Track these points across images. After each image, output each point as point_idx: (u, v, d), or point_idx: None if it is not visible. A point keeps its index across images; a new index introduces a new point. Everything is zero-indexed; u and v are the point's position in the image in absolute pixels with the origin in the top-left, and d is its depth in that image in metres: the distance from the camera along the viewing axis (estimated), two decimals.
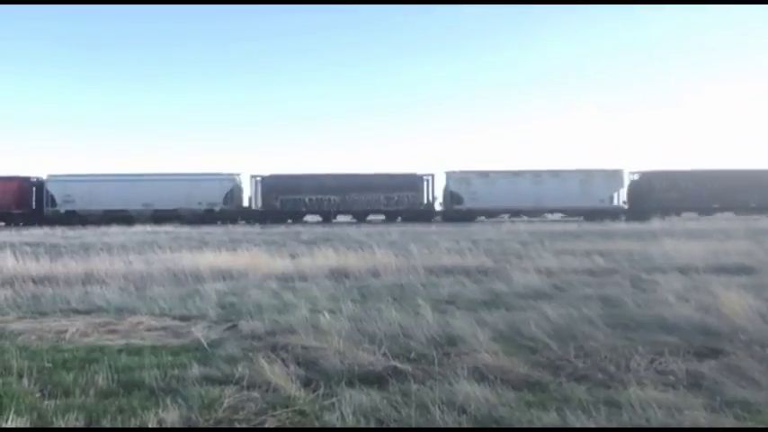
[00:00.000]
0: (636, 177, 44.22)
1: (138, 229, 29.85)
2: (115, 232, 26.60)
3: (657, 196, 42.35)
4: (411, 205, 42.76)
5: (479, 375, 4.76)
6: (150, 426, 3.88)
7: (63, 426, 3.89)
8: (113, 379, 4.82)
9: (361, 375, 4.85)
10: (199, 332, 6.52)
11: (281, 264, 12.07)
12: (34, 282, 10.41)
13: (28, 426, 3.91)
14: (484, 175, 43.20)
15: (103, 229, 30.08)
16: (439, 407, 4.06)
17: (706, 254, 12.85)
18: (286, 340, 5.95)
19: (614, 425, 3.84)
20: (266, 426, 3.95)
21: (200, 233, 25.86)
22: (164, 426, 3.90)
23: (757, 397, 4.27)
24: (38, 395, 4.51)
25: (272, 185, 42.97)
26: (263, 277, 10.73)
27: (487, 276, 10.74)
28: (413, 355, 5.44)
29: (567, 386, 4.58)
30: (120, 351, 5.83)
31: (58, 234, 26.48)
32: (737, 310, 6.58)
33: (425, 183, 43.56)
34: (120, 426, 3.93)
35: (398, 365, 5.03)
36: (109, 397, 4.47)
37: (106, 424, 3.97)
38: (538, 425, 3.86)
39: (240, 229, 30.98)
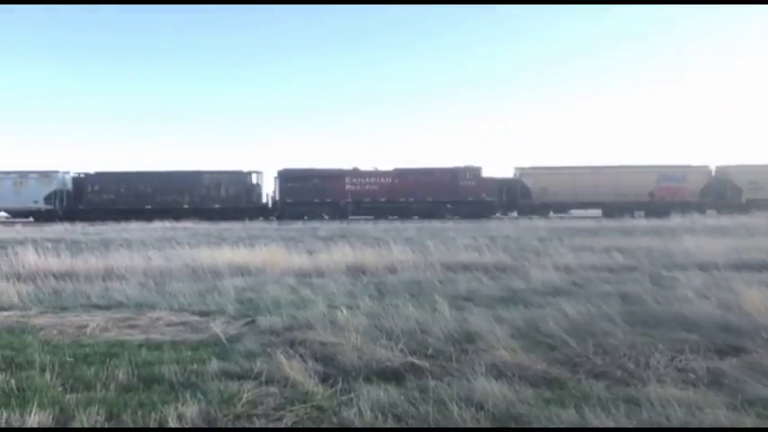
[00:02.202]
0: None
1: (156, 225, 30.08)
2: (134, 228, 26.83)
3: (89, 198, 41.75)
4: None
5: (497, 372, 4.75)
6: (170, 422, 3.91)
7: (85, 421, 3.93)
8: (133, 374, 4.87)
9: (379, 371, 4.86)
10: (217, 327, 6.55)
11: (298, 260, 12.12)
12: (55, 277, 10.52)
13: (51, 419, 3.96)
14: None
15: (123, 224, 30.33)
16: (457, 403, 4.05)
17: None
18: (304, 336, 5.98)
19: (634, 423, 3.81)
20: (284, 421, 3.97)
21: (219, 229, 26.02)
22: (183, 422, 3.93)
23: None
24: (60, 389, 4.57)
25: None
26: (281, 273, 10.77)
27: (505, 273, 10.69)
28: (430, 351, 5.44)
29: (586, 383, 4.56)
30: (140, 346, 5.89)
31: (78, 230, 26.77)
32: (759, 307, 6.50)
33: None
34: (140, 422, 3.96)
35: (416, 361, 5.03)
36: (129, 391, 4.52)
37: (126, 418, 4.01)
38: (557, 422, 3.84)
39: (258, 225, 31.11)
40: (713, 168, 43.75)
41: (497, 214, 42.10)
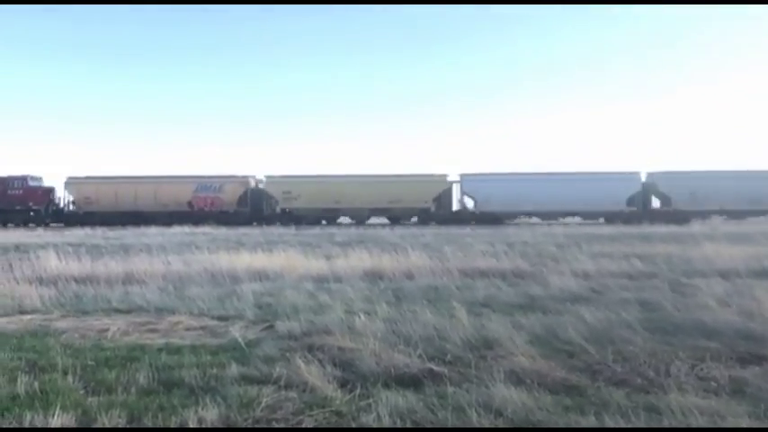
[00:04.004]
0: None
1: (176, 230, 30.33)
2: (154, 233, 27.05)
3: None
4: None
5: (516, 379, 4.73)
6: (191, 426, 3.94)
7: (106, 423, 3.97)
8: (154, 377, 4.91)
9: (397, 377, 4.86)
10: (236, 332, 6.60)
11: (315, 265, 12.16)
12: (76, 281, 10.67)
13: (73, 421, 4.02)
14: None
15: (143, 229, 30.60)
16: (475, 410, 4.05)
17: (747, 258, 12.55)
18: (322, 341, 6.00)
19: None
20: (304, 426, 3.99)
21: (237, 234, 26.16)
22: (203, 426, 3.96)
23: None
24: (82, 392, 4.62)
25: None
26: (299, 278, 10.82)
27: (523, 279, 10.66)
28: (448, 357, 5.43)
29: (606, 391, 4.52)
30: (160, 350, 5.94)
31: (98, 235, 27.05)
32: None
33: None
34: (161, 425, 4.00)
35: (434, 368, 5.03)
36: (150, 395, 4.56)
37: (147, 421, 4.05)
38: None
39: (276, 231, 31.23)
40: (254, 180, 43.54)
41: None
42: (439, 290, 9.62)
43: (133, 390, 4.65)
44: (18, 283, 10.19)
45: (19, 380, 4.73)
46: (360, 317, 6.75)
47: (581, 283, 9.94)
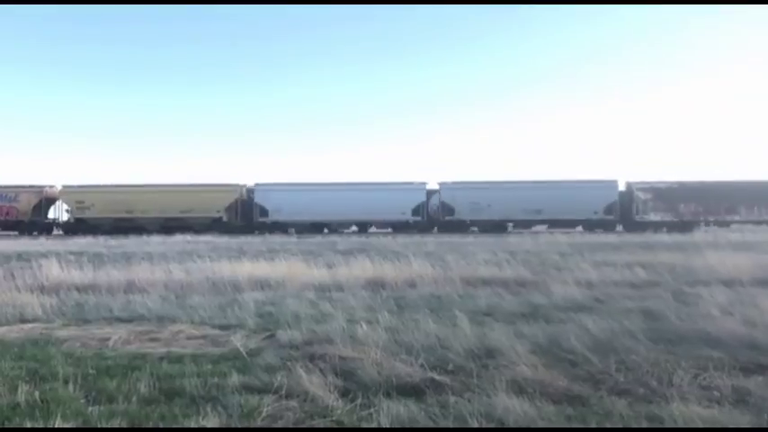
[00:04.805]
0: None
1: (178, 238, 30.35)
2: (156, 242, 27.07)
3: None
4: None
5: (518, 388, 4.71)
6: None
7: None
8: (155, 386, 4.90)
9: (399, 386, 4.84)
10: (238, 341, 6.58)
11: (317, 274, 12.15)
12: (78, 290, 10.69)
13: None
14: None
15: (145, 238, 30.66)
16: (477, 419, 4.03)
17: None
18: (323, 350, 5.98)
19: None
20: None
21: (239, 243, 26.17)
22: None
23: None
24: (83, 401, 4.61)
25: None
26: (301, 287, 10.81)
27: (526, 288, 10.63)
28: (450, 366, 5.41)
29: (608, 400, 4.49)
30: (161, 359, 5.93)
31: (100, 243, 27.07)
32: None
33: None
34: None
35: (436, 377, 5.00)
36: (151, 404, 4.55)
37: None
38: None
39: (277, 239, 31.24)
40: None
41: None
42: (441, 298, 9.61)
43: (134, 399, 4.64)
44: (19, 291, 10.18)
45: (20, 389, 4.72)
46: (361, 326, 6.73)
47: (584, 291, 9.91)
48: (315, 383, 4.78)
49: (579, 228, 40.80)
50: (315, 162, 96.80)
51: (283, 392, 4.70)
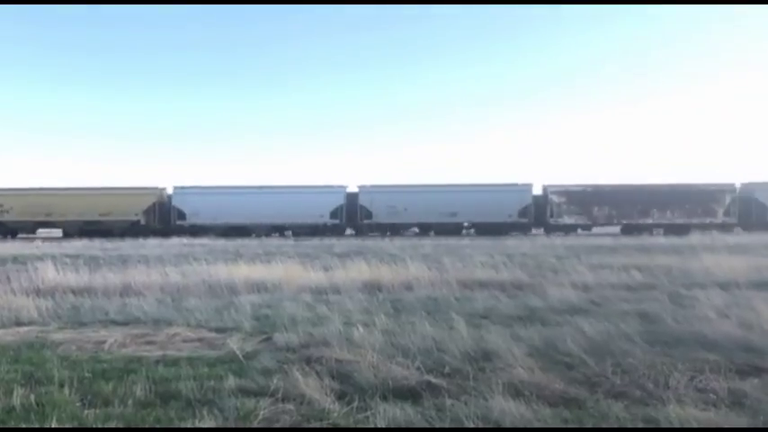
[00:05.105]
0: None
1: (174, 241, 30.31)
2: (152, 245, 27.02)
3: None
4: None
5: (515, 391, 4.70)
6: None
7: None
8: (151, 389, 4.89)
9: (395, 389, 4.83)
10: (234, 344, 6.57)
11: (314, 276, 12.14)
12: (74, 293, 10.66)
13: None
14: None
15: (141, 241, 30.60)
16: (473, 422, 4.03)
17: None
18: (320, 353, 5.97)
19: None
20: None
21: (235, 245, 26.14)
22: None
23: None
24: (78, 404, 4.59)
25: None
26: (297, 290, 10.80)
27: (522, 291, 10.64)
28: (447, 369, 5.41)
29: (605, 403, 4.50)
30: (157, 362, 5.92)
31: (96, 246, 27.00)
32: None
33: None
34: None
35: (432, 380, 5.00)
36: (147, 407, 4.53)
37: None
38: None
39: (274, 242, 31.21)
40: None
41: None
42: (438, 301, 9.61)
43: (130, 402, 4.62)
44: (15, 294, 10.15)
45: (15, 392, 4.70)
46: (358, 329, 6.73)
47: (580, 294, 9.92)
48: (311, 386, 4.77)
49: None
50: (316, 164, 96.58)
51: (280, 395, 4.69)
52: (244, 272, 12.62)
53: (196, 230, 40.13)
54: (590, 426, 4.04)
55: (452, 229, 40.72)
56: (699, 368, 5.26)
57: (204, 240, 31.07)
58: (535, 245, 24.56)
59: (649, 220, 41.46)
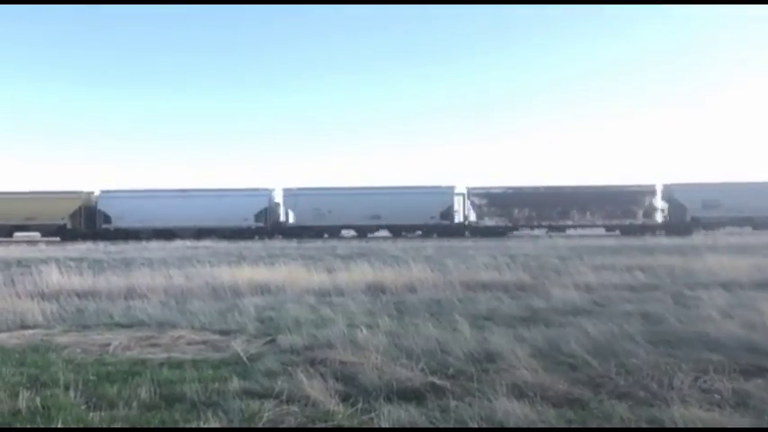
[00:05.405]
0: None
1: (178, 244, 30.37)
2: (156, 247, 27.08)
3: None
4: None
5: (519, 392, 4.71)
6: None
7: None
8: (156, 392, 4.90)
9: (400, 391, 4.84)
10: (238, 346, 6.58)
11: (317, 278, 12.15)
12: (78, 296, 10.68)
13: None
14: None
15: (144, 244, 30.68)
16: (477, 423, 4.04)
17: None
18: (324, 355, 5.99)
19: None
20: None
21: (239, 248, 26.17)
22: None
23: None
24: (83, 407, 4.60)
25: None
26: (301, 292, 10.82)
27: (525, 292, 10.64)
28: (451, 371, 5.42)
29: (609, 404, 4.50)
30: (161, 364, 5.94)
31: (100, 249, 27.07)
32: None
33: None
34: None
35: (436, 381, 5.01)
36: (152, 410, 4.55)
37: None
38: None
39: (278, 244, 31.26)
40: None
41: None
42: (441, 303, 9.62)
43: (135, 405, 4.63)
44: (20, 297, 10.18)
45: (21, 395, 4.72)
46: (362, 330, 6.74)
47: (583, 295, 9.92)
48: (316, 388, 4.78)
49: (418, 233, 41.51)
50: (319, 166, 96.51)
51: (284, 397, 4.70)
52: (247, 274, 12.63)
53: (121, 234, 40.26)
54: (594, 426, 4.04)
55: (374, 231, 41.19)
56: (703, 369, 5.25)
57: (207, 243, 31.11)
58: (538, 246, 24.55)
59: (569, 222, 41.78)
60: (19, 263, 18.62)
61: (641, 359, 5.63)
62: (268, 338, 7.15)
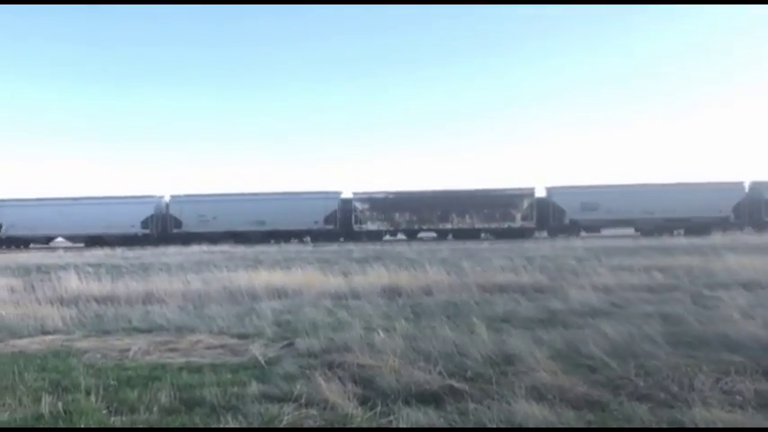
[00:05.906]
0: None
1: (194, 249, 30.56)
2: (173, 253, 27.26)
3: None
4: None
5: (538, 394, 4.69)
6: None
7: None
8: (175, 396, 4.93)
9: (418, 394, 4.84)
10: (256, 350, 6.61)
11: (334, 282, 12.17)
12: (97, 301, 10.78)
13: None
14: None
15: (161, 249, 30.90)
16: (497, 426, 4.02)
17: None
18: (342, 358, 5.99)
19: None
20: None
21: (255, 252, 26.29)
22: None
23: None
24: (105, 411, 4.65)
25: None
26: (317, 295, 10.84)
27: (543, 294, 10.59)
28: (469, 373, 5.40)
29: (629, 405, 4.46)
30: (181, 369, 5.97)
31: (118, 255, 27.30)
32: None
33: None
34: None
35: (455, 384, 5.00)
36: (172, 414, 4.58)
37: None
38: None
39: (293, 248, 31.35)
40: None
41: None
42: (458, 305, 9.59)
43: (155, 409, 4.67)
44: (40, 303, 10.31)
45: (43, 400, 4.77)
46: (379, 333, 6.75)
47: (601, 296, 9.85)
48: (334, 391, 4.79)
49: (307, 238, 41.88)
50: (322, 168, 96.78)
51: (303, 401, 4.71)
52: (264, 278, 12.69)
53: (14, 242, 40.99)
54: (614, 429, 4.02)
55: (262, 237, 41.37)
56: (724, 370, 5.20)
57: (225, 247, 31.28)
58: (555, 247, 24.43)
59: (448, 225, 42.08)
60: (38, 269, 18.85)
61: (661, 360, 5.59)
62: (286, 342, 7.17)
